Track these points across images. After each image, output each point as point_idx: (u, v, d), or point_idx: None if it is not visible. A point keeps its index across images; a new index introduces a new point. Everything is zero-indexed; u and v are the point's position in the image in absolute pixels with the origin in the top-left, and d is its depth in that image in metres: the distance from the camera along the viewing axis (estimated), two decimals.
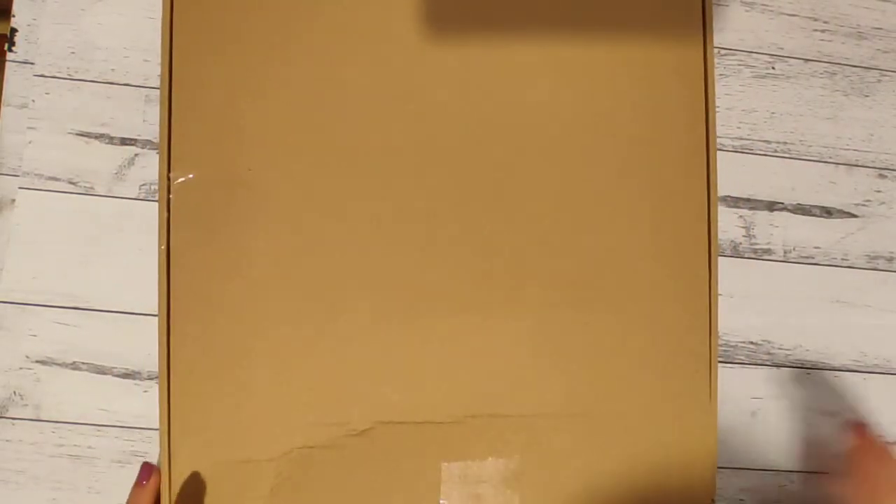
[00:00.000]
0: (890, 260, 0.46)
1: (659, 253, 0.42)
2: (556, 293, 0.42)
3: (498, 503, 0.41)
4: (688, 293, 0.43)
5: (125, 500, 0.38)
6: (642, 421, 0.42)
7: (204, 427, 0.39)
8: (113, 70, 0.42)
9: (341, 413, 0.40)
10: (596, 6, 0.43)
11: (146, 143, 0.42)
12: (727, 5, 0.46)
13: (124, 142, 0.42)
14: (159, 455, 0.39)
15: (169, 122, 0.40)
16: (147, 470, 0.38)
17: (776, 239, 0.45)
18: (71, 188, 0.41)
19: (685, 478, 0.42)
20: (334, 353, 0.40)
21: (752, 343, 0.45)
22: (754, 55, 0.46)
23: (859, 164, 0.46)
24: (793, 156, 0.46)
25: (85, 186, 0.41)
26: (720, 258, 0.44)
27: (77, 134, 0.41)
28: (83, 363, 0.40)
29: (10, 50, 0.41)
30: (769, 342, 0.45)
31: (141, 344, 0.41)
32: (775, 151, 0.46)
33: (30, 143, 0.41)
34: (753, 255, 0.45)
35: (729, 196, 0.45)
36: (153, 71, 0.42)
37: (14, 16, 0.42)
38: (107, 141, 0.41)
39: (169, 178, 0.40)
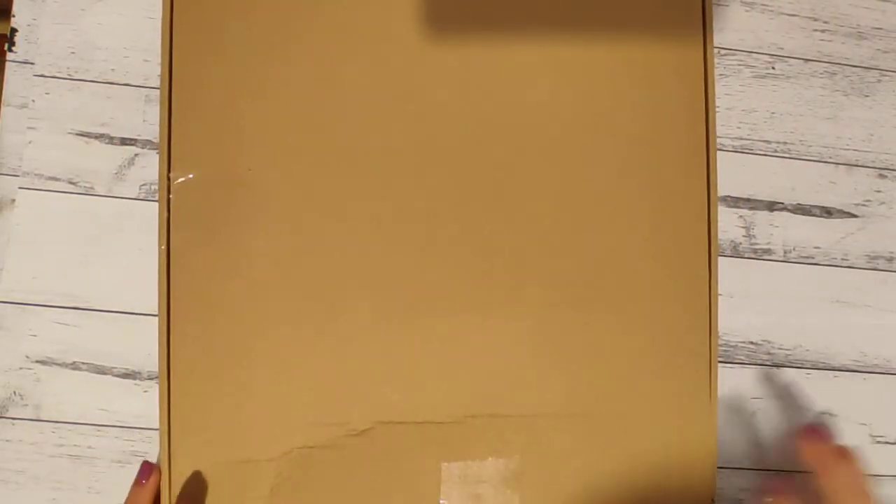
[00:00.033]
0: (890, 260, 0.46)
1: (659, 253, 0.43)
2: (556, 293, 0.42)
3: (498, 503, 0.41)
4: (688, 293, 0.43)
5: (125, 500, 0.38)
6: (642, 421, 0.42)
7: (204, 427, 0.39)
8: (113, 70, 0.42)
9: (341, 413, 0.40)
10: (596, 6, 0.43)
11: (146, 143, 0.42)
12: (727, 5, 0.46)
13: (124, 142, 0.42)
14: (159, 455, 0.40)
15: (169, 122, 0.40)
16: (147, 469, 0.38)
17: (776, 239, 0.45)
18: (71, 188, 0.41)
19: (685, 478, 0.42)
20: (334, 353, 0.40)
21: (752, 343, 0.45)
22: (754, 55, 0.46)
23: (859, 164, 0.46)
24: (793, 156, 0.46)
25: (85, 186, 0.41)
26: (720, 258, 0.44)
27: (77, 134, 0.41)
28: (83, 363, 0.40)
29: (10, 50, 0.41)
30: (769, 342, 0.45)
31: (141, 344, 0.41)
32: (775, 151, 0.46)
33: (30, 143, 0.41)
34: (753, 255, 0.45)
35: (729, 196, 0.45)
36: (153, 71, 0.42)
37: (14, 16, 0.42)
38: (107, 141, 0.41)
39: (169, 178, 0.40)
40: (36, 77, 0.41)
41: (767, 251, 0.45)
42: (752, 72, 0.46)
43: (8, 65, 0.41)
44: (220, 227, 0.40)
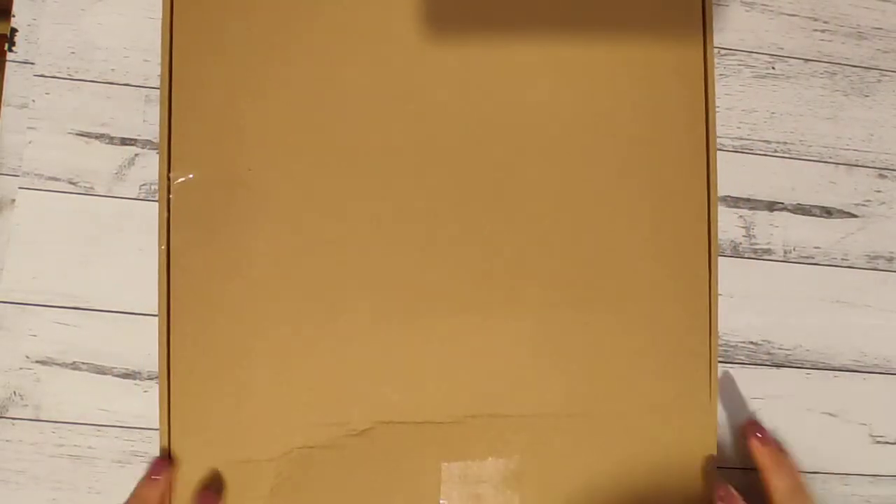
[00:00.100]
0: (890, 260, 0.46)
1: (659, 253, 0.43)
2: (556, 293, 0.42)
3: (498, 503, 0.41)
4: (688, 293, 0.43)
5: (134, 492, 0.38)
6: (642, 421, 0.42)
7: (204, 427, 0.39)
8: (113, 70, 0.42)
9: (341, 413, 0.40)
10: (596, 6, 0.43)
11: (146, 143, 0.42)
12: (727, 5, 0.46)
13: (124, 142, 0.42)
14: (159, 455, 0.40)
15: (169, 122, 0.40)
16: (160, 464, 0.38)
17: (776, 239, 0.45)
18: (71, 188, 0.41)
19: (685, 478, 0.42)
20: (334, 353, 0.40)
21: (752, 343, 0.45)
22: (754, 55, 0.46)
23: (859, 164, 0.46)
24: (793, 156, 0.46)
25: (85, 186, 0.41)
26: (720, 258, 0.44)
27: (77, 134, 0.41)
28: (83, 363, 0.40)
29: (10, 50, 0.41)
30: (769, 342, 0.45)
31: (141, 344, 0.41)
32: (775, 151, 0.46)
33: (30, 143, 0.41)
34: (753, 255, 0.45)
35: (729, 196, 0.45)
36: (153, 71, 0.42)
37: (14, 16, 0.42)
38: (107, 141, 0.41)
39: (169, 178, 0.40)
40: (36, 77, 0.41)
41: (767, 251, 0.45)
42: (752, 72, 0.46)
43: (8, 65, 0.41)
44: (220, 227, 0.40)
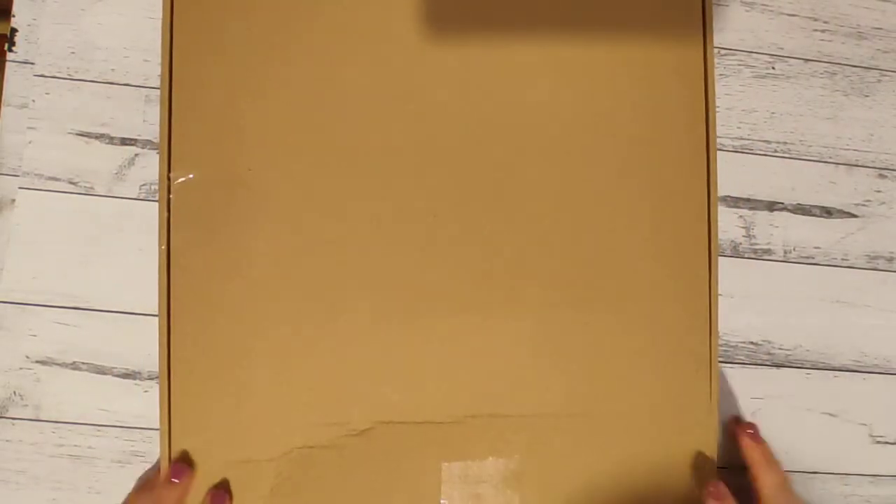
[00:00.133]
0: (890, 260, 0.46)
1: (659, 253, 0.43)
2: (556, 293, 0.42)
3: (498, 503, 0.41)
4: (688, 293, 0.43)
5: (147, 495, 0.38)
6: (643, 421, 0.42)
7: (204, 427, 0.39)
8: (113, 70, 0.42)
9: (341, 413, 0.40)
10: (596, 6, 0.43)
11: (146, 143, 0.42)
12: (727, 5, 0.46)
13: (124, 142, 0.42)
14: (159, 455, 0.40)
15: (169, 123, 0.40)
16: (180, 469, 0.38)
17: (776, 239, 0.45)
18: (71, 188, 0.41)
19: (685, 478, 0.42)
20: (334, 353, 0.40)
21: (752, 343, 0.45)
22: (754, 55, 0.46)
23: (859, 164, 0.46)
24: (793, 156, 0.46)
25: (85, 186, 0.41)
26: (720, 258, 0.44)
27: (77, 134, 0.41)
28: (83, 363, 0.40)
29: (10, 50, 0.41)
30: (769, 342, 0.45)
31: (141, 344, 0.41)
32: (775, 151, 0.46)
33: (30, 143, 0.41)
34: (753, 255, 0.45)
35: (729, 196, 0.45)
36: (153, 71, 0.42)
37: (14, 16, 0.42)
38: (107, 141, 0.41)
39: (169, 179, 0.40)
40: (36, 77, 0.41)
41: (767, 251, 0.45)
42: (752, 72, 0.46)
43: (8, 65, 0.41)
44: (220, 227, 0.40)
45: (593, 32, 0.43)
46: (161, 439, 0.39)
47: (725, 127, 0.45)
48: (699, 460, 0.42)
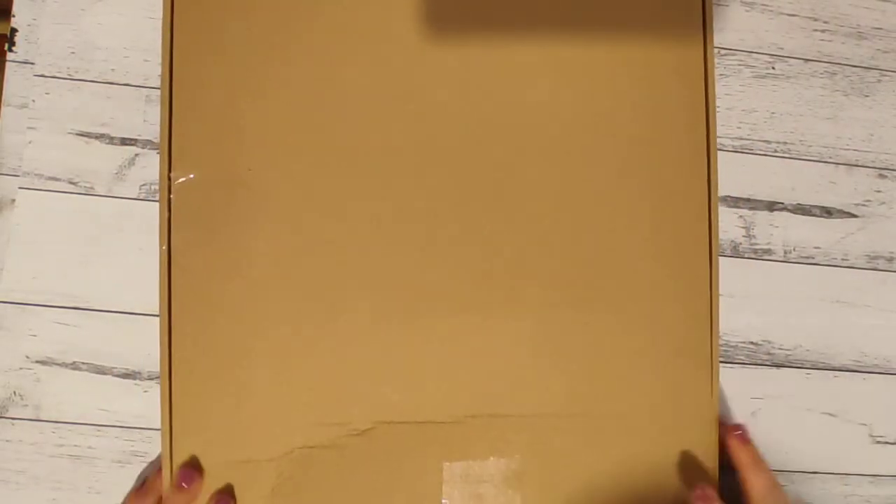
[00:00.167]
0: (890, 260, 0.46)
1: (659, 253, 0.43)
2: (556, 293, 0.42)
3: (500, 503, 0.41)
4: (688, 293, 0.43)
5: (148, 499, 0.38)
6: (643, 421, 0.42)
7: (204, 427, 0.39)
8: (113, 70, 0.42)
9: (342, 413, 0.40)
10: (596, 6, 0.43)
11: (146, 143, 0.42)
12: (727, 5, 0.46)
13: (124, 142, 0.42)
14: (160, 455, 0.40)
15: (170, 123, 0.40)
16: (189, 474, 0.38)
17: (776, 239, 0.45)
18: (71, 188, 0.41)
19: (685, 478, 0.42)
20: (334, 353, 0.40)
21: (752, 343, 0.45)
22: (754, 55, 0.46)
23: (859, 164, 0.46)
24: (793, 156, 0.46)
25: (85, 186, 0.41)
26: (720, 258, 0.44)
27: (77, 134, 0.41)
28: (83, 363, 0.40)
29: (10, 50, 0.41)
30: (769, 342, 0.45)
31: (141, 344, 0.41)
32: (775, 151, 0.46)
33: (30, 143, 0.41)
34: (753, 255, 0.45)
35: (729, 196, 0.45)
36: (153, 71, 0.42)
37: (14, 16, 0.42)
38: (107, 141, 0.41)
39: (170, 179, 0.40)
40: (36, 77, 0.41)
41: (767, 251, 0.45)
42: (752, 72, 0.46)
43: (8, 65, 0.41)
44: (220, 227, 0.40)
45: (593, 32, 0.43)
46: (162, 440, 0.39)
47: (725, 127, 0.45)
48: (699, 460, 0.42)
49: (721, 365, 0.44)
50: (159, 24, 0.41)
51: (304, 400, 0.40)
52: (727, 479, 0.42)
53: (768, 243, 0.45)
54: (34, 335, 0.40)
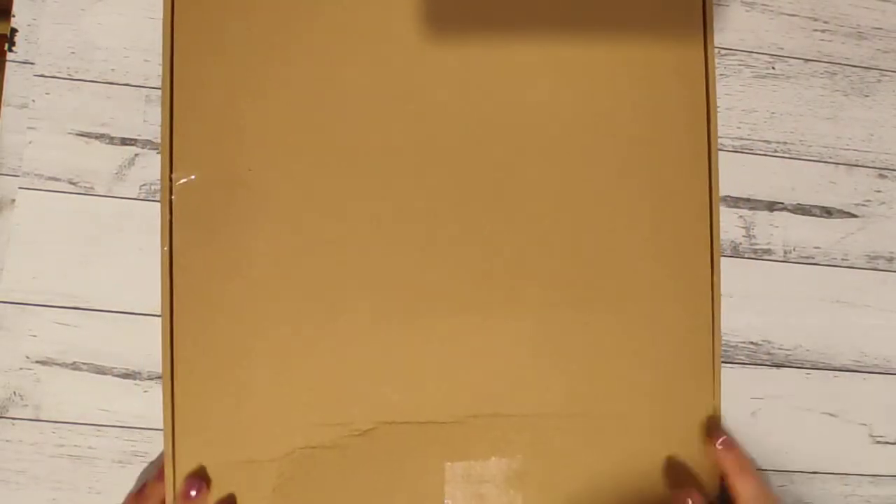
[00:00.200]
0: (890, 260, 0.46)
1: (659, 253, 0.43)
2: (556, 293, 0.42)
3: (501, 503, 0.41)
4: (688, 293, 0.43)
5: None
6: (643, 421, 0.42)
7: (205, 427, 0.39)
8: (113, 70, 0.42)
9: (343, 413, 0.40)
10: (596, 6, 0.43)
11: (146, 144, 0.42)
12: (727, 5, 0.46)
13: (124, 142, 0.41)
14: (161, 455, 0.40)
15: (171, 124, 0.40)
16: (196, 483, 0.38)
17: (776, 239, 0.45)
18: (71, 188, 0.41)
19: (686, 478, 0.42)
20: (335, 353, 0.40)
21: (752, 343, 0.45)
22: (754, 55, 0.46)
23: (859, 164, 0.46)
24: (793, 156, 0.46)
25: (85, 186, 0.41)
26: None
27: (77, 134, 0.41)
28: (83, 363, 0.40)
29: (10, 50, 0.41)
30: (769, 342, 0.45)
31: (141, 344, 0.41)
32: (775, 151, 0.46)
33: (30, 143, 0.41)
34: (753, 255, 0.45)
35: (729, 196, 0.45)
36: (153, 71, 0.42)
37: (14, 16, 0.42)
38: (107, 141, 0.41)
39: (171, 180, 0.40)
40: (36, 77, 0.41)
41: (767, 251, 0.45)
42: (752, 72, 0.46)
43: (8, 65, 0.41)
44: (220, 228, 0.40)
45: (593, 32, 0.43)
46: (165, 440, 0.39)
47: (725, 127, 0.45)
48: (700, 460, 0.42)
49: (721, 365, 0.44)
50: (159, 24, 0.41)
51: (304, 400, 0.40)
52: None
53: (768, 243, 0.45)
54: (34, 335, 0.40)
